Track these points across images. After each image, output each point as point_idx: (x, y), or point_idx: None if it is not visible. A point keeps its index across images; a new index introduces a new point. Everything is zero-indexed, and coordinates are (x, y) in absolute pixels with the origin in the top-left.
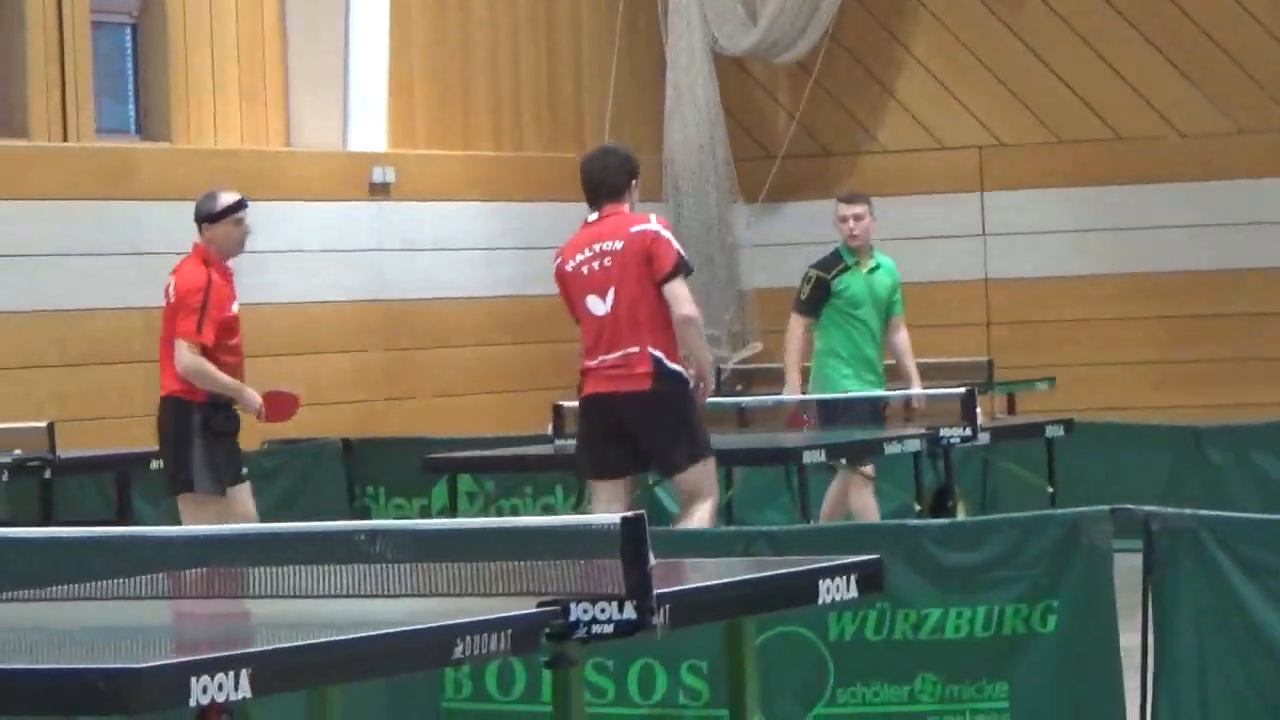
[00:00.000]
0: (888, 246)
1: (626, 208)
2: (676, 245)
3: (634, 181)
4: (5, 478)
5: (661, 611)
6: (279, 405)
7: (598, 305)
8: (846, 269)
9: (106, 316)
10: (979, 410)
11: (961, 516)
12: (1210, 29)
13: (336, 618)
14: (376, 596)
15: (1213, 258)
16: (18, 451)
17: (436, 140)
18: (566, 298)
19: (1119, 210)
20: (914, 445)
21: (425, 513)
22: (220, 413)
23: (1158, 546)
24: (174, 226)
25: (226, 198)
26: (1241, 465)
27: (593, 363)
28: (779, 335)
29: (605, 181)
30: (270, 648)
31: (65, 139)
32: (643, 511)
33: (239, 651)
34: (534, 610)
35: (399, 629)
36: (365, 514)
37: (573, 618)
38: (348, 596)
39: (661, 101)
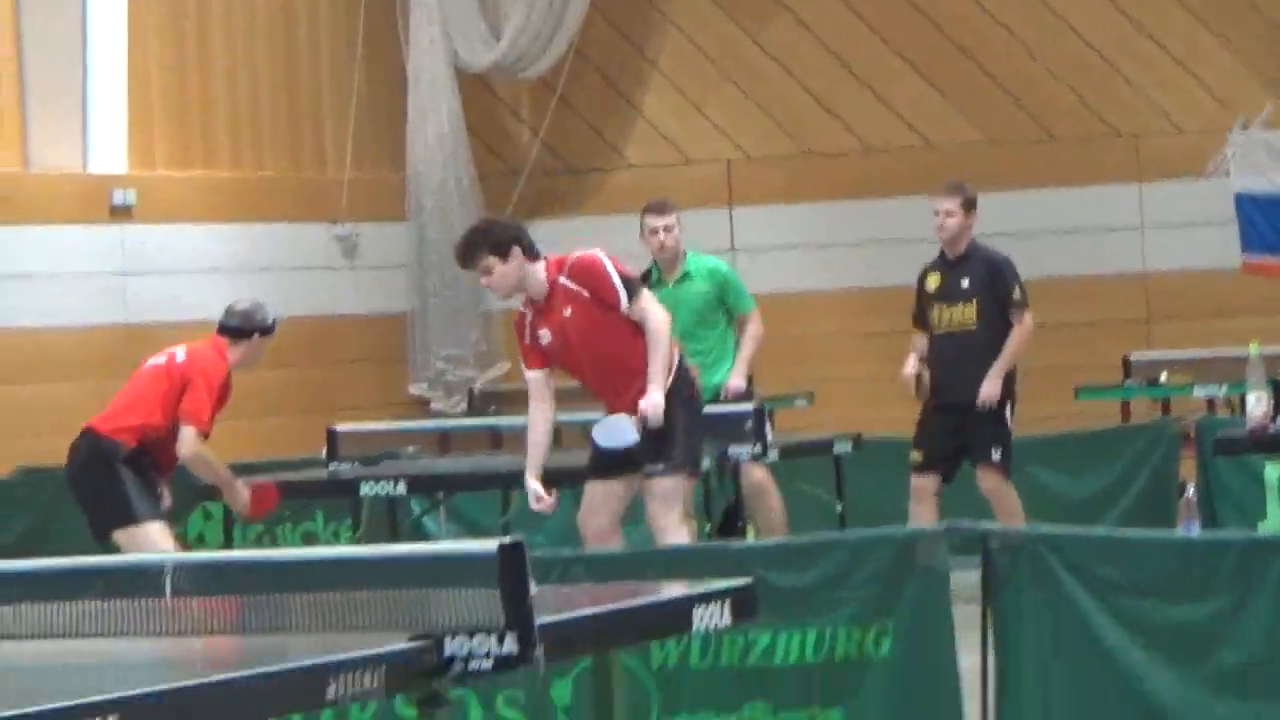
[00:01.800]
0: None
1: None
2: None
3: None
4: None
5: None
6: (263, 498)
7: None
8: (650, 285)
9: None
10: (768, 427)
11: (751, 538)
12: (959, 39)
13: (185, 657)
14: (222, 634)
15: None
16: None
17: (177, 161)
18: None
19: (869, 222)
20: (705, 462)
21: (183, 542)
22: (145, 456)
23: (996, 564)
24: None
25: (272, 315)
26: (1020, 479)
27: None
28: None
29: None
30: (140, 692)
31: None
32: (521, 538)
33: (106, 697)
34: (407, 645)
35: (268, 670)
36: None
37: (448, 653)
38: (194, 635)
39: (404, 119)
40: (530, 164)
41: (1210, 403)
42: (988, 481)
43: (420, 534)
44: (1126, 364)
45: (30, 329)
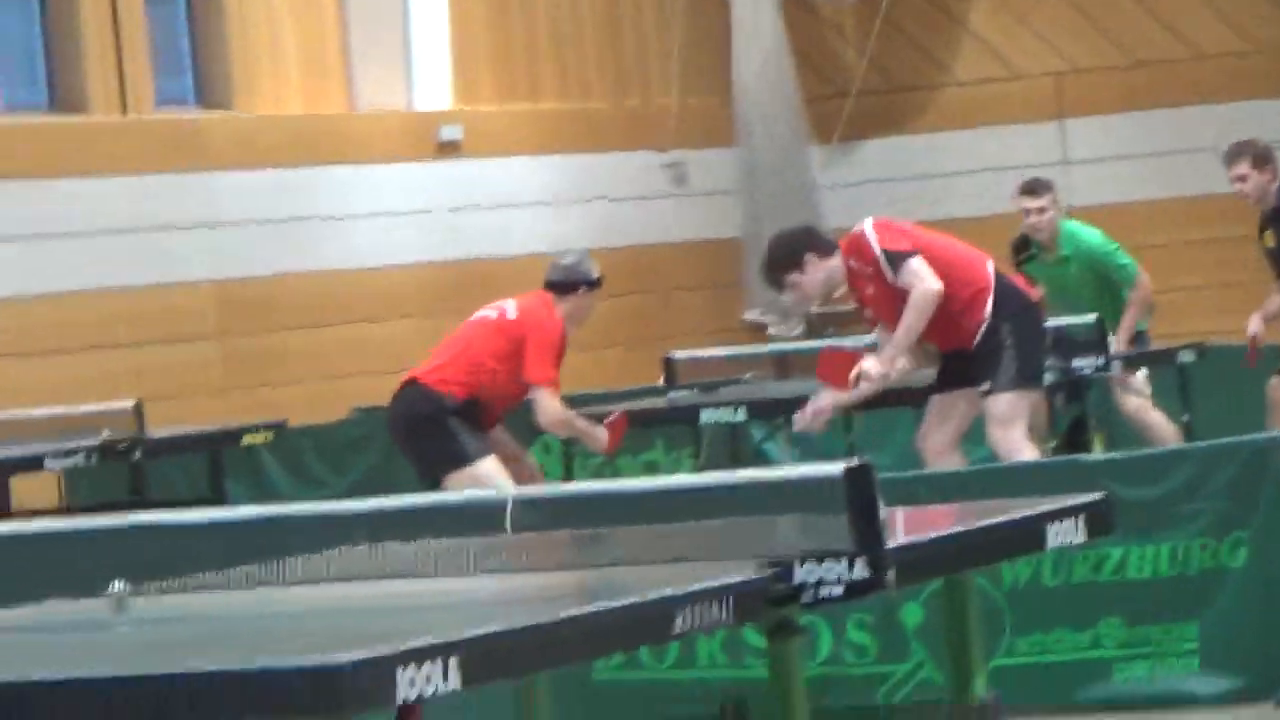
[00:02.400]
0: (964, 180)
1: None
2: None
3: None
4: (93, 460)
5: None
6: (616, 431)
7: None
8: (1029, 259)
9: (178, 291)
10: (1110, 339)
11: (1098, 451)
12: None
13: (528, 594)
14: (566, 569)
15: None
16: (106, 432)
17: (502, 95)
18: None
19: (1201, 130)
20: (1050, 378)
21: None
22: (474, 408)
23: None
24: (243, 193)
25: (595, 268)
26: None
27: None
28: None
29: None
30: (480, 633)
31: (124, 112)
32: (869, 459)
33: (446, 640)
34: (757, 575)
35: (616, 604)
36: None
37: (798, 580)
38: (538, 570)
39: (727, 45)
40: (856, 85)
41: None
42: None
43: (762, 460)
44: None
45: (362, 269)
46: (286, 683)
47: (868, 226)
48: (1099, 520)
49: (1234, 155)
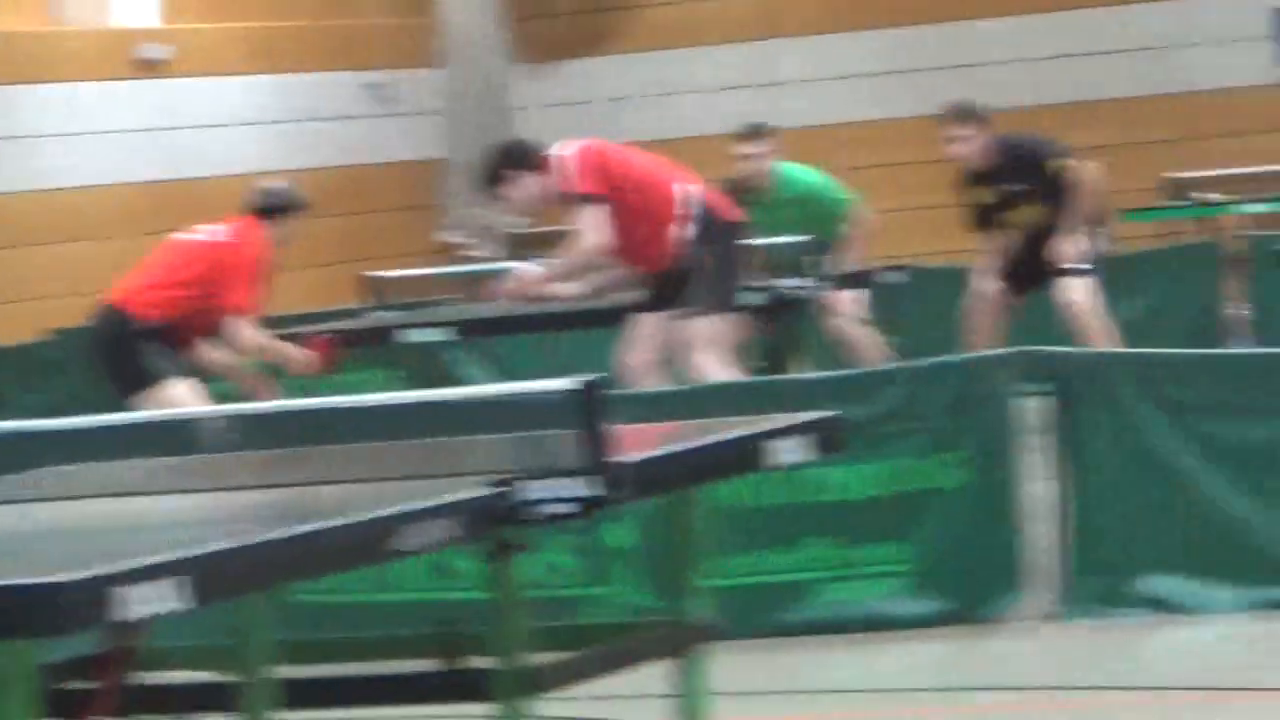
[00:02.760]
0: (671, 101)
1: None
2: None
3: None
4: None
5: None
6: (323, 351)
7: None
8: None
9: None
10: (824, 258)
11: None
12: None
13: (252, 512)
14: (290, 486)
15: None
16: None
17: (210, 12)
18: None
19: (912, 51)
20: (755, 299)
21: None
22: (170, 330)
23: (1071, 388)
24: None
25: (300, 194)
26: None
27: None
28: None
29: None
30: (207, 551)
31: None
32: (604, 374)
33: (171, 558)
34: (487, 492)
35: (342, 521)
36: None
37: (529, 497)
38: (262, 487)
39: None
40: (564, 4)
41: (1256, 220)
42: (1072, 294)
43: (467, 382)
44: (1167, 184)
45: (60, 189)
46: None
47: (569, 153)
48: (830, 438)
49: (954, 116)
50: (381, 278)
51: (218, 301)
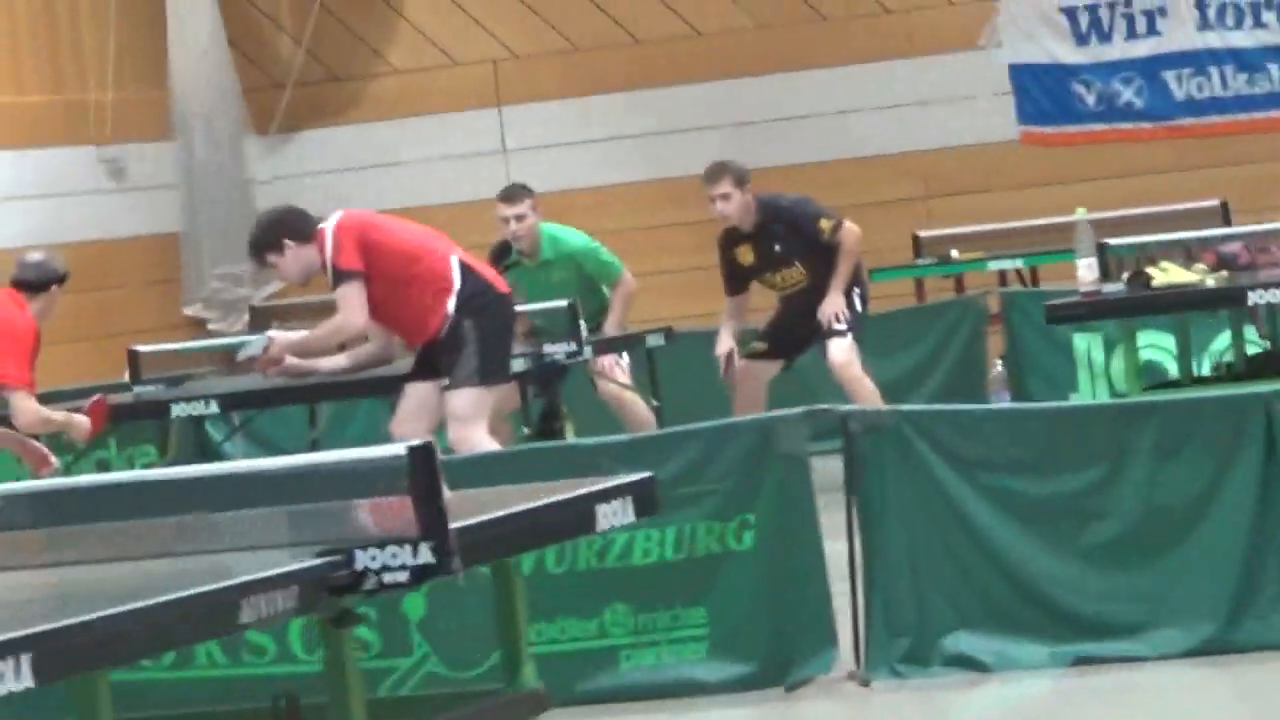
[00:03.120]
0: (407, 170)
1: None
2: None
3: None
4: None
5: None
6: (96, 417)
7: None
8: (509, 265)
9: None
10: (582, 325)
11: (571, 438)
12: None
13: (87, 589)
14: (123, 560)
15: (742, 157)
16: None
17: None
18: None
19: (645, 115)
20: (523, 365)
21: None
22: None
23: (859, 446)
24: None
25: (63, 264)
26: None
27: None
28: None
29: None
30: (52, 626)
31: None
32: (432, 439)
33: (16, 635)
34: (319, 561)
35: (182, 594)
36: None
37: (360, 566)
38: (92, 563)
39: (164, 36)
40: (294, 75)
41: (1003, 276)
42: (838, 355)
43: (224, 457)
44: (916, 242)
45: None
46: None
47: (330, 226)
48: (645, 500)
49: (715, 174)
50: (138, 352)
51: None
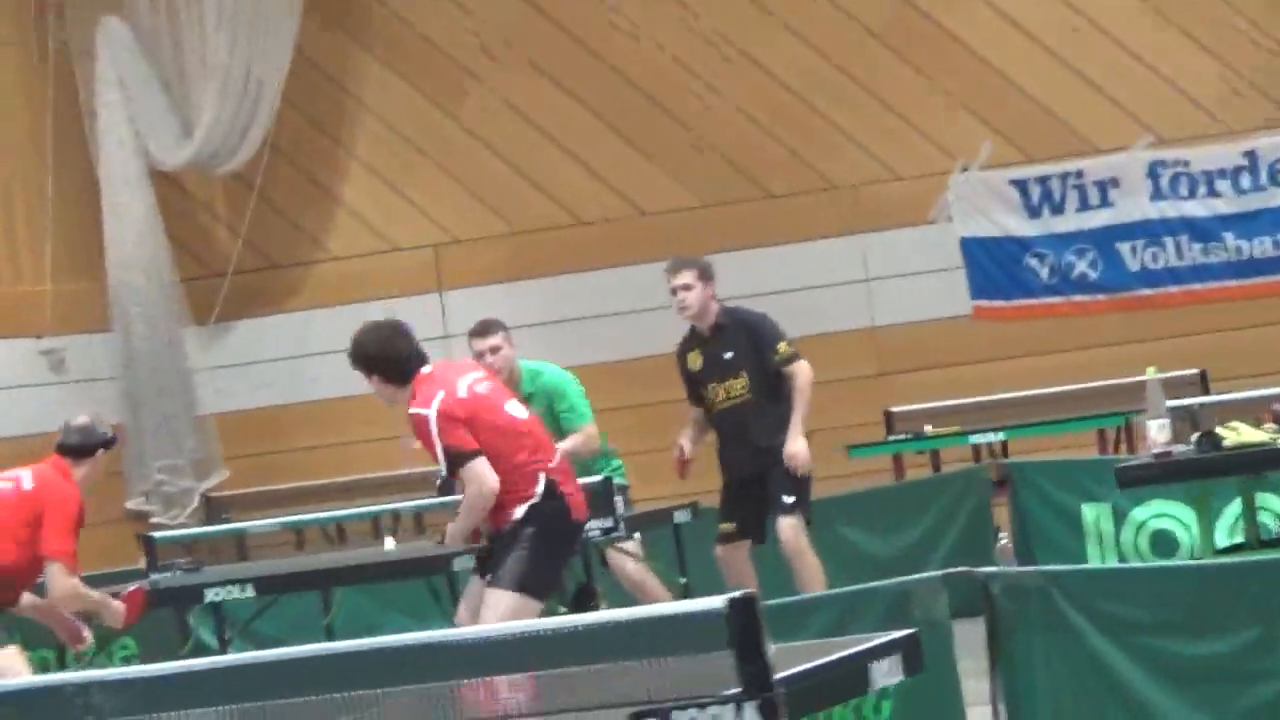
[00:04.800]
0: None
1: None
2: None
3: None
4: None
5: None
6: (134, 605)
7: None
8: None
9: None
10: (618, 497)
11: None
12: (661, 100)
13: None
14: None
15: None
16: None
17: None
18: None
19: (589, 297)
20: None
21: None
22: None
23: (1001, 609)
24: None
25: (108, 428)
26: (830, 539)
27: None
28: (242, 460)
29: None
30: None
31: None
32: (754, 591)
33: None
34: None
35: None
36: None
37: None
38: None
39: (100, 228)
40: (232, 264)
41: (976, 451)
42: (785, 533)
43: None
44: (889, 417)
45: None
46: None
47: (432, 413)
48: (912, 657)
49: (680, 264)
50: (154, 539)
51: (40, 549)
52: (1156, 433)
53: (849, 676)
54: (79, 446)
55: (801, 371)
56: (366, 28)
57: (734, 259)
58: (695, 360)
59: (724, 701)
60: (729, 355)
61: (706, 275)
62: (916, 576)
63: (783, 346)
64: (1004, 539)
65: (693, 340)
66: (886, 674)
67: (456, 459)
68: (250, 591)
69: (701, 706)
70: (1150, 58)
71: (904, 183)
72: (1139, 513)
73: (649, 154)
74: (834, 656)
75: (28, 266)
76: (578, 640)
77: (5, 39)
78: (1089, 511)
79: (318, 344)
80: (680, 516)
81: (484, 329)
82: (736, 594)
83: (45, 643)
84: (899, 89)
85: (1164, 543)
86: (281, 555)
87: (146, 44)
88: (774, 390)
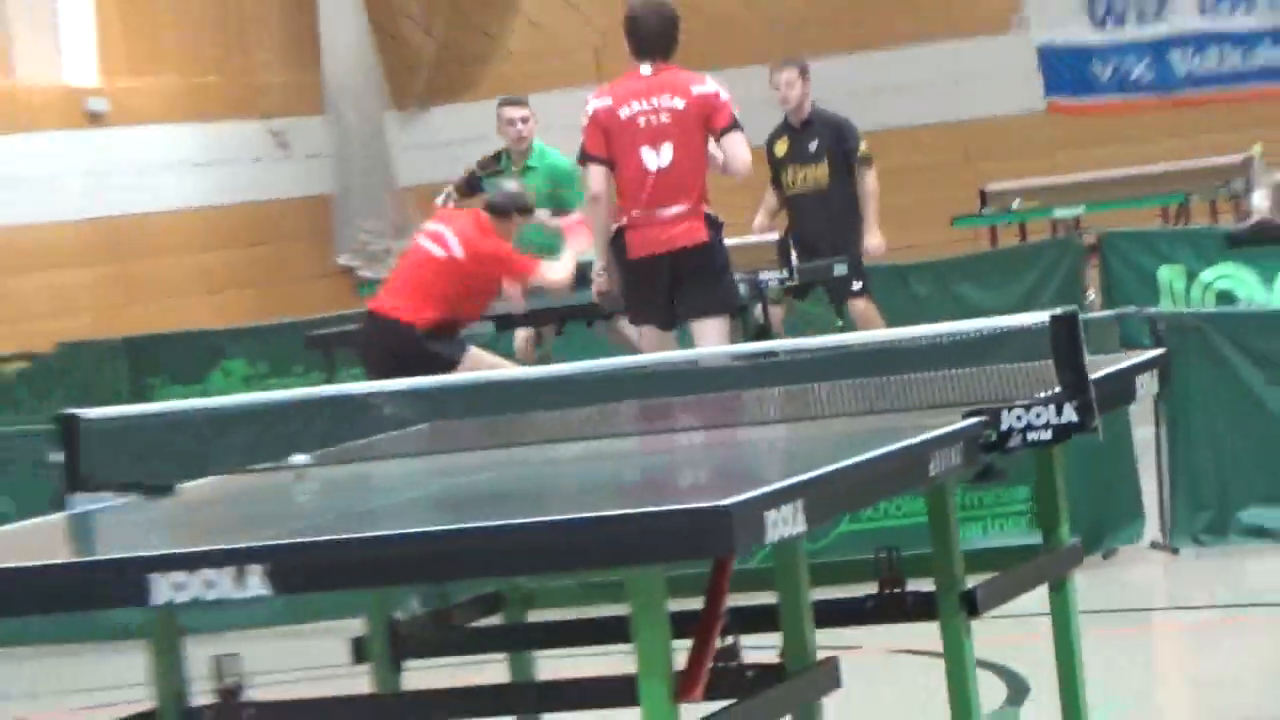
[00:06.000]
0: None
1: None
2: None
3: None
4: None
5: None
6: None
7: (651, 158)
8: (501, 169)
9: None
10: (793, 255)
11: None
12: None
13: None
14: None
15: None
16: None
17: (138, 70)
18: (606, 141)
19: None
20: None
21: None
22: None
23: (1167, 344)
24: None
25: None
26: (946, 295)
27: (639, 213)
28: None
29: (664, 35)
30: (815, 475)
31: None
32: (1075, 307)
33: (793, 482)
34: (974, 420)
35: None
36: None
37: (1005, 425)
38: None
39: (317, 23)
40: (427, 59)
41: (1053, 224)
42: (861, 309)
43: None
44: (983, 195)
45: (23, 225)
46: (673, 524)
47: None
48: (1165, 373)
49: (788, 62)
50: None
51: (515, 281)
52: (1259, 201)
53: (1125, 386)
54: (503, 208)
55: (872, 175)
56: None
57: (842, 60)
58: (782, 147)
59: (1046, 402)
60: (813, 145)
61: (805, 73)
62: (1093, 315)
63: (863, 147)
64: (1092, 295)
65: (783, 130)
66: (1146, 386)
67: (737, 123)
68: None
69: (1027, 407)
70: None
71: None
72: (1207, 274)
73: None
74: (1115, 369)
75: (257, 60)
76: (919, 350)
77: None
78: (1165, 272)
79: (493, 127)
80: (839, 269)
81: (518, 100)
82: (1059, 310)
83: None
84: None
85: (1226, 300)
86: None
87: None
88: (845, 182)
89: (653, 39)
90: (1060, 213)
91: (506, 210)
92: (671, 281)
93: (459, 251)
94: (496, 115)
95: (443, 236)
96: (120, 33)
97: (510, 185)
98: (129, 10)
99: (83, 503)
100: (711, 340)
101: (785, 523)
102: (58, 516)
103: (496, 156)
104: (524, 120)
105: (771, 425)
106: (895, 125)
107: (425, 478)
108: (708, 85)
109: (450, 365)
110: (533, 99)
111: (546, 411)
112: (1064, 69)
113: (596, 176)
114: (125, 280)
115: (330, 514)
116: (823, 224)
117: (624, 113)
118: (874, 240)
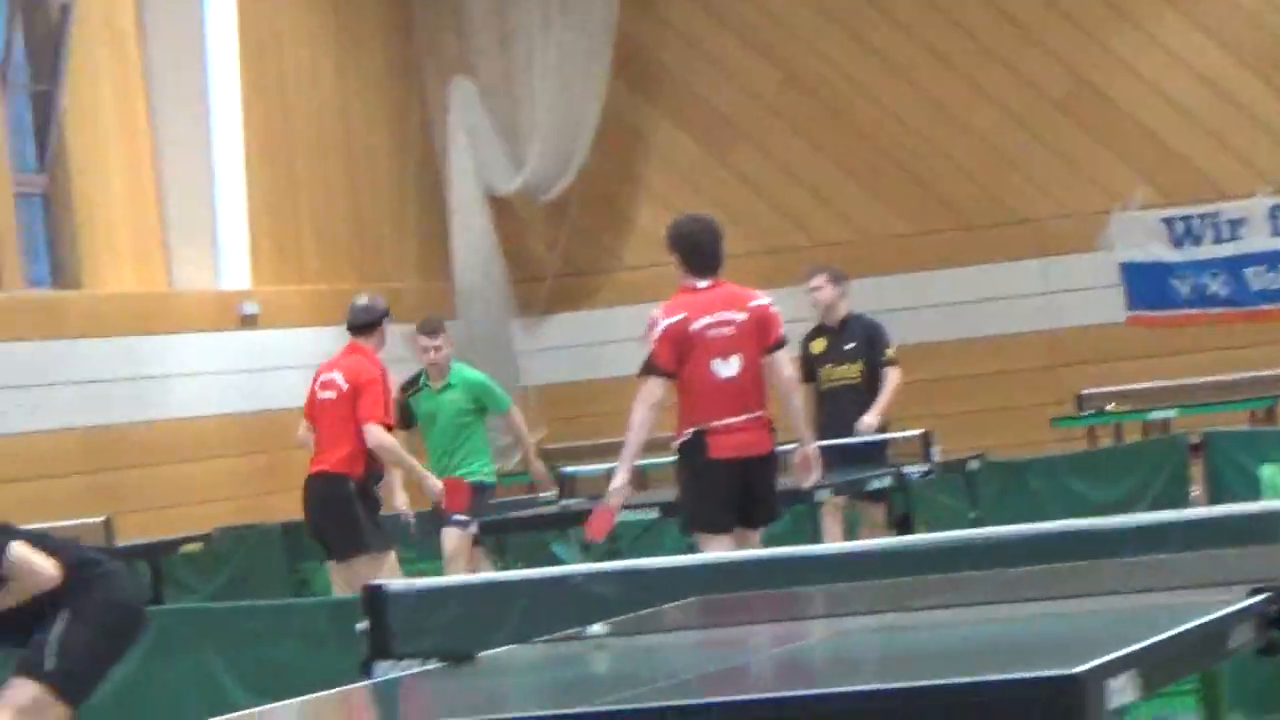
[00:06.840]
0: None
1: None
2: None
3: None
4: None
5: None
6: (457, 493)
7: (723, 369)
8: (419, 390)
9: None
10: (934, 449)
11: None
12: (887, 149)
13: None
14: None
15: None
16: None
17: (284, 277)
18: (681, 354)
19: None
20: (886, 480)
21: None
22: (372, 483)
23: None
24: (96, 358)
25: (381, 303)
26: (1055, 488)
27: (720, 424)
28: (555, 420)
29: (719, 251)
30: (1147, 643)
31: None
32: None
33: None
34: (1261, 597)
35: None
36: (305, 586)
37: None
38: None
39: (448, 237)
40: (550, 270)
41: (1146, 425)
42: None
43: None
44: (1080, 398)
45: (183, 419)
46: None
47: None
48: None
49: (814, 269)
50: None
51: (359, 418)
52: None
53: None
54: (365, 324)
55: (895, 374)
56: (659, 91)
57: (942, 276)
58: (819, 345)
59: None
60: (850, 346)
61: (837, 279)
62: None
63: (890, 351)
64: (1195, 491)
65: (820, 330)
66: None
67: (784, 340)
68: (655, 513)
69: None
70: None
71: (1076, 218)
72: None
73: (875, 191)
74: None
75: (393, 268)
76: (1200, 528)
77: (377, 86)
78: (1267, 470)
79: (614, 334)
80: (972, 465)
81: (432, 329)
82: None
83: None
84: (1073, 144)
85: None
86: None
87: (488, 98)
88: (875, 376)
89: (711, 255)
90: (1156, 414)
91: (362, 323)
92: (743, 486)
93: (344, 384)
94: (414, 341)
95: (333, 380)
96: (270, 243)
97: (361, 299)
98: (278, 223)
99: (385, 670)
100: (754, 543)
101: (1122, 692)
102: (367, 683)
103: (415, 379)
104: (436, 349)
105: (1064, 600)
106: (989, 334)
107: (739, 646)
108: (761, 299)
109: (362, 545)
110: (646, 308)
111: (808, 586)
112: (1145, 284)
113: (656, 388)
114: (275, 469)
115: (689, 674)
116: (856, 413)
117: (695, 326)
118: (869, 419)
